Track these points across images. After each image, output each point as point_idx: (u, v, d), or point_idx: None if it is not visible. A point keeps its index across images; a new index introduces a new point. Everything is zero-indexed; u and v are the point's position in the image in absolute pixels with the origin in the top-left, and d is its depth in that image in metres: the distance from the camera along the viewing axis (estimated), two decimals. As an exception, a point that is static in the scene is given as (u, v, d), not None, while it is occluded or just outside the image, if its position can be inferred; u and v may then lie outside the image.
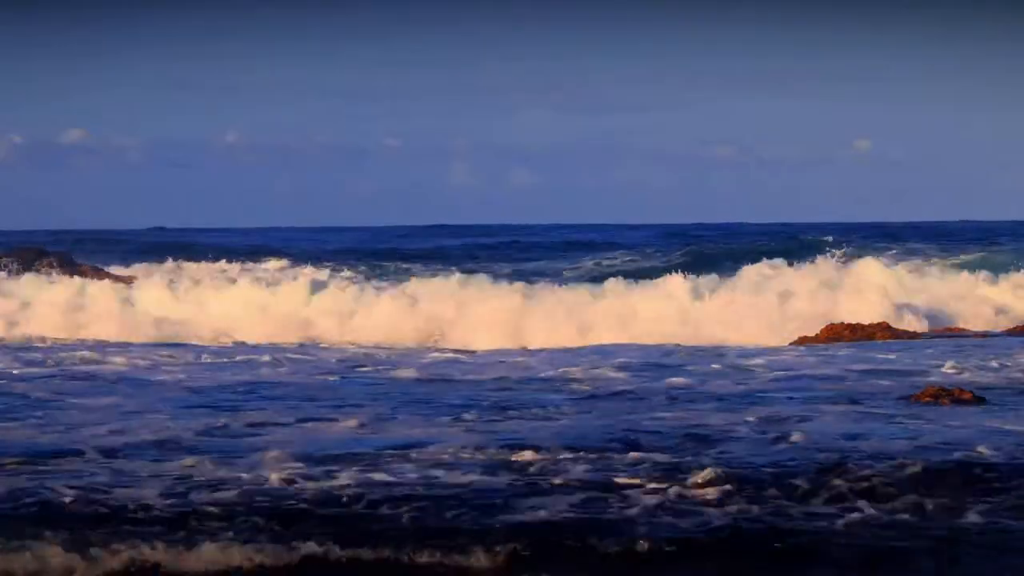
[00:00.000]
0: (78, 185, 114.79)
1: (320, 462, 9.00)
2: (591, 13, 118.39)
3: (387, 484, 8.23)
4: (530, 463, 9.03)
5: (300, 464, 8.91)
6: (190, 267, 40.98)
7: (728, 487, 8.26)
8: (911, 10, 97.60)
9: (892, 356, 16.63)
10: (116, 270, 38.64)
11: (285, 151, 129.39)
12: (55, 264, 36.53)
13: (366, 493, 8.00)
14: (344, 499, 7.89)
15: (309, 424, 10.95)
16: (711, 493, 8.13)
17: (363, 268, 39.30)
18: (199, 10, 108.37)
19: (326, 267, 36.22)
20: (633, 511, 7.68)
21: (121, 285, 28.99)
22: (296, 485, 8.29)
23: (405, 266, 42.16)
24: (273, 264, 40.74)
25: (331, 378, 14.65)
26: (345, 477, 8.49)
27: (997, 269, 29.23)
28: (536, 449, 9.42)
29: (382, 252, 49.34)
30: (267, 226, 77.74)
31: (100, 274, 36.13)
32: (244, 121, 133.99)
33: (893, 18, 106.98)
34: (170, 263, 41.33)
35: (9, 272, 34.96)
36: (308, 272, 32.59)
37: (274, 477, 8.48)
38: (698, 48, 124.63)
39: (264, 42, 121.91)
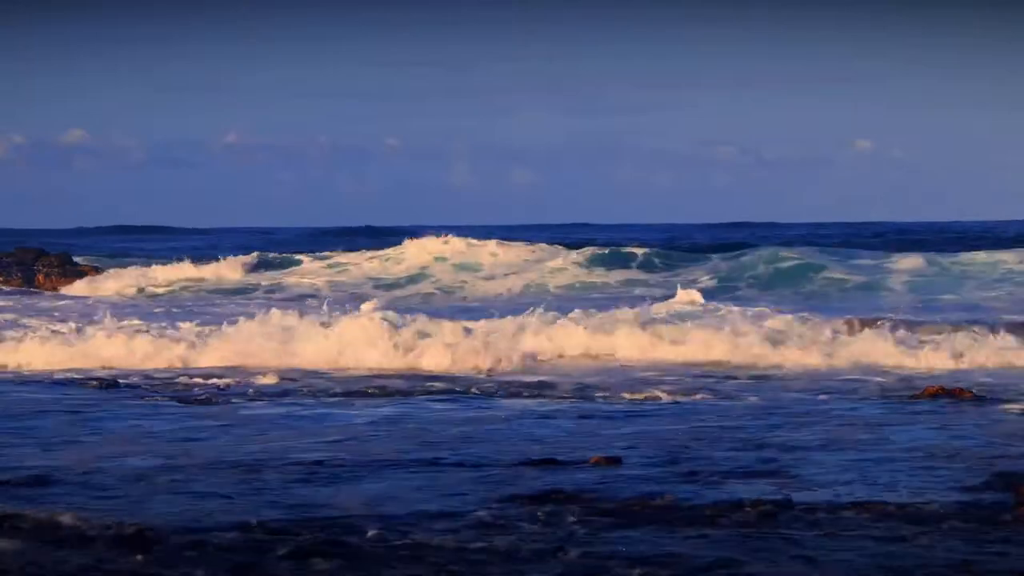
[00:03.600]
0: (78, 185, 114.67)
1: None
2: (591, 13, 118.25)
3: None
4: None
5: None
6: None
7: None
8: (911, 10, 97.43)
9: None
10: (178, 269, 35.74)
11: (285, 151, 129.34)
12: (55, 264, 36.50)
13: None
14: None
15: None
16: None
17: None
18: (199, 10, 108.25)
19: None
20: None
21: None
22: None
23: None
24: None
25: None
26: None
27: None
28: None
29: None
30: (268, 226, 77.64)
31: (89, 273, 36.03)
32: (244, 121, 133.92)
33: (893, 18, 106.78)
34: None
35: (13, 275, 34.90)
36: None
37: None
38: (698, 48, 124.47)
39: (264, 42, 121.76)
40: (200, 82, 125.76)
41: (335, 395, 13.17)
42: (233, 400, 12.72)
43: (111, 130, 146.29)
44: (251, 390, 13.53)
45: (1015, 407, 11.88)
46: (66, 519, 7.05)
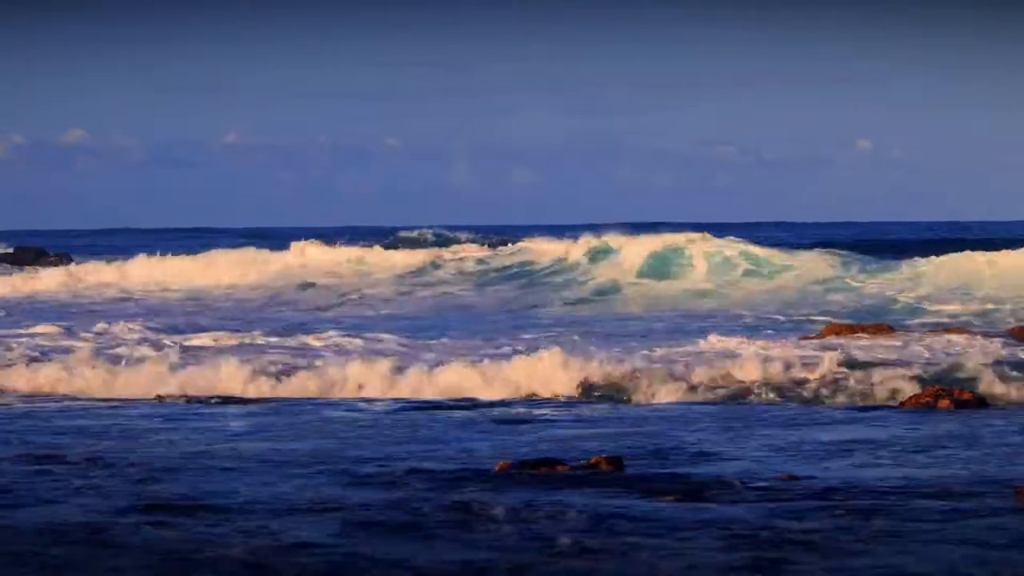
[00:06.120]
0: (78, 185, 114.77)
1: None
2: (591, 13, 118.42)
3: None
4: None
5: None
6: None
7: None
8: (911, 10, 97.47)
9: (892, 356, 16.58)
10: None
11: (285, 151, 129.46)
12: (54, 264, 36.51)
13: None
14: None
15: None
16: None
17: None
18: (199, 10, 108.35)
19: None
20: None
21: None
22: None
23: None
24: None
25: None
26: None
27: None
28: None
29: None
30: (268, 226, 77.64)
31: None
32: (244, 121, 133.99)
33: (893, 18, 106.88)
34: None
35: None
36: None
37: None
38: (698, 48, 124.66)
39: (264, 42, 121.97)
40: (200, 82, 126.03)
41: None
42: None
43: (111, 130, 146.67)
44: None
45: (1014, 409, 11.88)
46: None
